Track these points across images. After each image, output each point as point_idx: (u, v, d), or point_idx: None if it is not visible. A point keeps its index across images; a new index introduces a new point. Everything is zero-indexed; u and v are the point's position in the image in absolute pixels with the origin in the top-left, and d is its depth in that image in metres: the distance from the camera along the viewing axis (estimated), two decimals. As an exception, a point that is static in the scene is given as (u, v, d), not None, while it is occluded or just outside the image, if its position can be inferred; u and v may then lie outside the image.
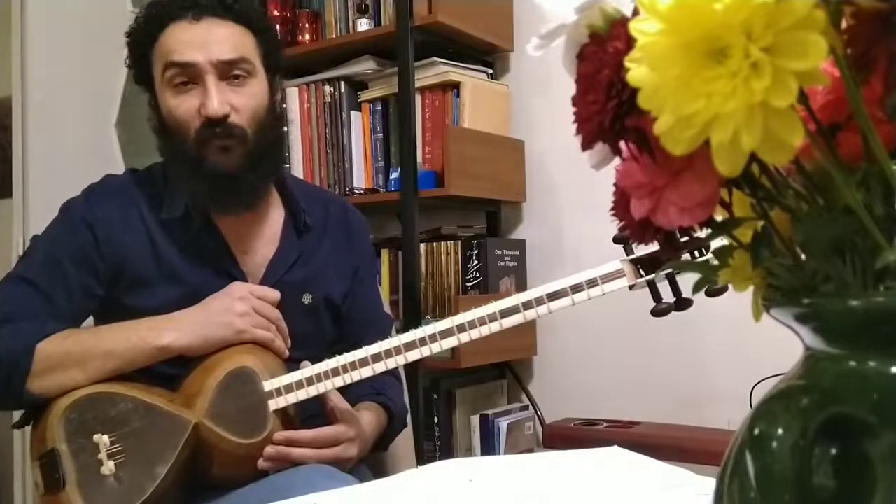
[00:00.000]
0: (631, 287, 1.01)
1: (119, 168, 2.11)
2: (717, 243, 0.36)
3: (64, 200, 1.20)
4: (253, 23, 1.16)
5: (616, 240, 0.99)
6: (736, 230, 0.35)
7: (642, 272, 1.00)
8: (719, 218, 0.35)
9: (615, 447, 0.93)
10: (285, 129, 1.29)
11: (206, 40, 1.11)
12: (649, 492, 0.79)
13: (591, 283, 1.00)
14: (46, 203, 1.95)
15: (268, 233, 1.22)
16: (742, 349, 1.78)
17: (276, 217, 1.23)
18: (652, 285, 1.01)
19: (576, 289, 1.00)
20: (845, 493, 0.31)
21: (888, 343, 0.31)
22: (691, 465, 0.87)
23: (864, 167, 0.31)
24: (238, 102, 1.12)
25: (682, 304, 0.99)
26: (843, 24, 0.30)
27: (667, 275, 1.01)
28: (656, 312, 0.99)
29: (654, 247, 0.93)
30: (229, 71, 1.12)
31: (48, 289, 1.11)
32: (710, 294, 0.97)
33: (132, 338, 1.07)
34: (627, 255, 1.01)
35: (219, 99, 1.10)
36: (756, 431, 0.31)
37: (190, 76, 1.11)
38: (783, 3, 0.27)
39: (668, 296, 1.02)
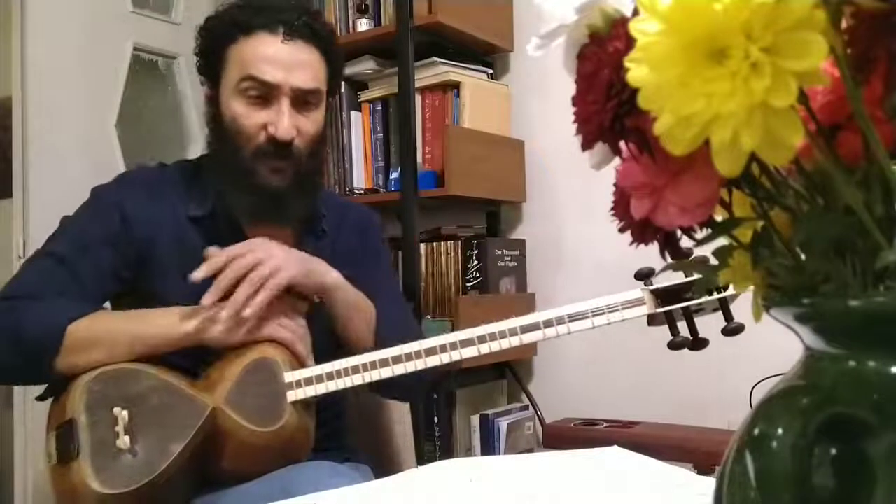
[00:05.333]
0: (650, 320, 1.03)
1: (119, 168, 2.11)
2: (717, 243, 0.36)
3: (64, 200, 1.20)
4: (331, 52, 1.19)
5: (638, 276, 1.01)
6: (736, 230, 0.35)
7: (661, 303, 1.02)
8: (719, 218, 0.35)
9: (615, 447, 0.93)
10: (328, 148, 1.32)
11: (291, 64, 1.13)
12: (649, 492, 0.79)
13: (612, 308, 1.02)
14: (46, 203, 1.96)
15: (287, 234, 1.24)
16: (742, 349, 1.78)
17: (296, 220, 1.26)
18: (670, 318, 1.02)
19: (596, 312, 1.03)
20: (845, 493, 0.31)
21: (888, 343, 0.31)
22: (691, 465, 0.87)
23: (864, 167, 0.31)
24: (303, 128, 1.15)
25: (697, 343, 1.01)
26: (843, 24, 0.30)
27: (685, 314, 1.02)
28: (672, 346, 1.01)
29: (674, 280, 0.92)
30: (303, 98, 1.15)
31: (77, 267, 1.12)
32: (726, 333, 0.98)
33: (162, 324, 1.08)
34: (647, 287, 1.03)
35: (290, 124, 1.13)
36: (756, 431, 0.31)
37: (265, 94, 1.13)
38: (783, 3, 0.27)
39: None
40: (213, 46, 1.17)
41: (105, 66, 2.19)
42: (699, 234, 0.36)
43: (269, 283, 1.07)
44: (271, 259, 1.08)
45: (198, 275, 1.06)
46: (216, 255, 1.08)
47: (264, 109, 1.13)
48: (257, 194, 1.15)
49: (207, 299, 1.07)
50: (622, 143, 0.35)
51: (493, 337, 1.05)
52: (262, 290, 1.07)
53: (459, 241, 2.02)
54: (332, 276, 1.14)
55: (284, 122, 1.12)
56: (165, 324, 1.09)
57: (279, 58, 1.12)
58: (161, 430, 1.03)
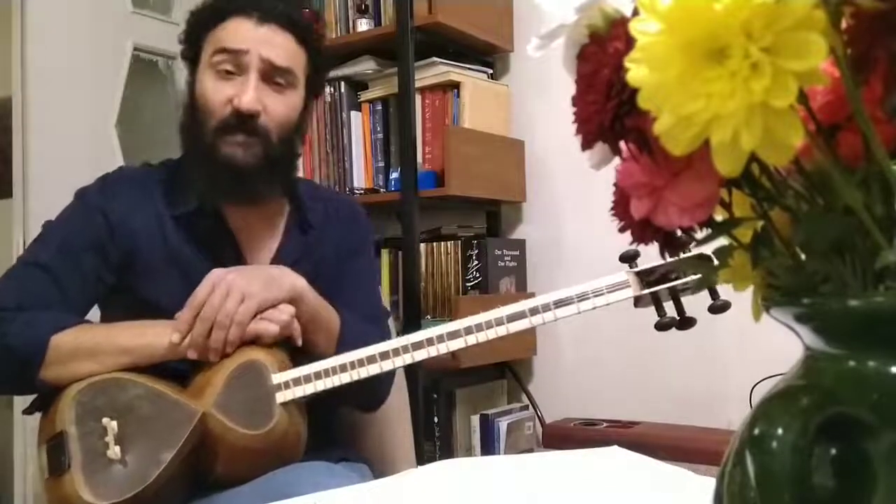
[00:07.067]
0: (636, 301, 1.02)
1: (119, 168, 2.11)
2: (717, 243, 0.36)
3: (64, 200, 1.20)
4: (310, 42, 1.19)
5: (622, 258, 1.01)
6: (736, 230, 0.35)
7: (646, 285, 1.02)
8: (719, 218, 0.35)
9: (615, 447, 0.93)
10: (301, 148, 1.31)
11: (263, 40, 1.13)
12: (649, 492, 0.79)
13: (597, 292, 1.02)
14: (46, 203, 1.95)
15: (274, 230, 1.24)
16: (742, 349, 1.78)
17: (282, 214, 1.25)
18: (656, 299, 1.02)
19: (581, 297, 1.02)
20: (845, 493, 0.31)
21: (888, 343, 0.31)
22: (691, 465, 0.87)
23: (864, 167, 0.31)
24: (272, 106, 1.14)
25: (684, 322, 1.01)
26: (843, 24, 0.30)
27: (671, 294, 1.02)
28: (659, 326, 1.01)
29: (659, 261, 0.94)
30: (273, 75, 1.14)
31: (62, 276, 1.11)
32: (713, 310, 0.98)
33: (147, 334, 1.08)
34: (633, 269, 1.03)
35: (254, 96, 1.12)
36: (756, 431, 0.31)
37: (236, 65, 1.13)
38: (783, 3, 0.27)
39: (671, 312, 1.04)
40: (194, 32, 1.19)
41: (105, 66, 2.19)
42: (699, 234, 0.36)
43: (238, 318, 1.06)
44: (233, 291, 1.07)
45: (175, 338, 1.06)
46: (182, 314, 1.07)
47: (232, 84, 1.13)
48: (220, 170, 1.13)
49: (191, 355, 1.07)
50: (622, 143, 0.35)
51: (479, 328, 1.05)
52: (234, 325, 1.06)
53: (459, 241, 2.02)
54: (296, 283, 1.13)
55: (248, 93, 1.11)
56: (152, 333, 1.08)
57: (251, 34, 1.13)
58: (151, 438, 1.03)
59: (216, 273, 1.09)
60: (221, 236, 1.19)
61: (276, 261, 1.21)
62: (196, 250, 1.17)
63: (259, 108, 1.13)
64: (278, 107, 1.15)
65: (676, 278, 1.01)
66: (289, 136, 1.18)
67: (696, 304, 1.02)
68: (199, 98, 1.15)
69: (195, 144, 1.16)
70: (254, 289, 1.08)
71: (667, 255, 0.37)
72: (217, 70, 1.14)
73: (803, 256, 0.34)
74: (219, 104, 1.13)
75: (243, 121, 1.12)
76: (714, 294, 1.00)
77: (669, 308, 1.04)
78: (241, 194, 1.16)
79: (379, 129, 2.10)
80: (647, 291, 1.01)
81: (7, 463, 1.99)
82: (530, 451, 2.05)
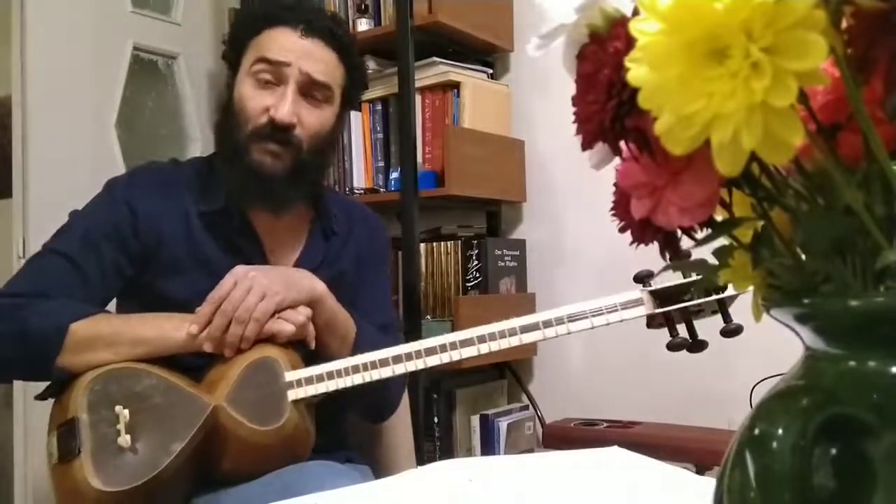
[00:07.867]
0: (649, 322, 1.03)
1: (119, 168, 2.11)
2: (717, 243, 0.36)
3: (64, 200, 1.21)
4: (349, 58, 1.22)
5: (637, 279, 1.02)
6: (736, 230, 0.35)
7: (660, 304, 1.02)
8: (719, 218, 0.35)
9: (615, 447, 0.93)
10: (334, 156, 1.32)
11: (305, 53, 1.15)
12: (649, 492, 0.79)
13: (611, 308, 1.03)
14: (46, 203, 1.96)
15: (298, 235, 1.25)
16: (742, 349, 1.78)
17: (306, 219, 1.27)
18: (669, 319, 1.03)
19: (595, 313, 1.03)
20: (845, 493, 0.31)
21: (888, 343, 0.31)
22: (691, 465, 0.88)
23: (864, 167, 0.31)
24: (307, 119, 1.16)
25: (696, 345, 1.01)
26: (843, 24, 0.30)
27: (684, 317, 1.03)
28: (671, 346, 1.02)
29: (674, 281, 0.93)
30: (311, 89, 1.16)
31: (84, 265, 1.12)
32: (725, 334, 0.98)
33: (165, 326, 1.09)
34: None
35: (291, 109, 1.14)
36: (756, 431, 0.31)
37: (275, 76, 1.15)
38: (783, 3, 0.27)
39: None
40: (238, 35, 1.21)
41: (105, 66, 2.19)
42: (699, 234, 0.36)
43: (256, 314, 1.08)
44: (255, 288, 1.08)
45: (193, 329, 1.07)
46: (203, 307, 1.08)
47: (271, 94, 1.15)
48: (248, 175, 1.15)
49: (207, 348, 1.08)
50: (622, 143, 0.35)
51: (492, 337, 1.06)
52: (252, 321, 1.07)
53: (459, 241, 2.02)
54: (315, 287, 1.14)
55: (286, 106, 1.13)
56: (170, 325, 1.09)
57: (293, 47, 1.15)
58: (162, 428, 1.03)
59: (239, 269, 1.10)
60: (246, 237, 1.20)
61: (297, 265, 1.23)
62: (219, 249, 1.18)
63: (295, 120, 1.14)
64: (313, 120, 1.17)
65: (690, 299, 1.02)
66: (320, 147, 1.19)
67: (707, 327, 1.02)
68: (236, 102, 1.17)
69: (227, 146, 1.18)
70: (275, 287, 1.09)
71: (667, 257, 0.37)
72: (256, 78, 1.16)
73: (803, 256, 0.34)
74: (255, 112, 1.15)
75: (278, 131, 1.14)
76: (727, 317, 1.00)
77: (681, 330, 1.04)
78: (267, 201, 1.18)
79: (379, 128, 2.10)
80: (660, 311, 1.02)
81: (7, 459, 1.99)
82: (530, 451, 2.05)
